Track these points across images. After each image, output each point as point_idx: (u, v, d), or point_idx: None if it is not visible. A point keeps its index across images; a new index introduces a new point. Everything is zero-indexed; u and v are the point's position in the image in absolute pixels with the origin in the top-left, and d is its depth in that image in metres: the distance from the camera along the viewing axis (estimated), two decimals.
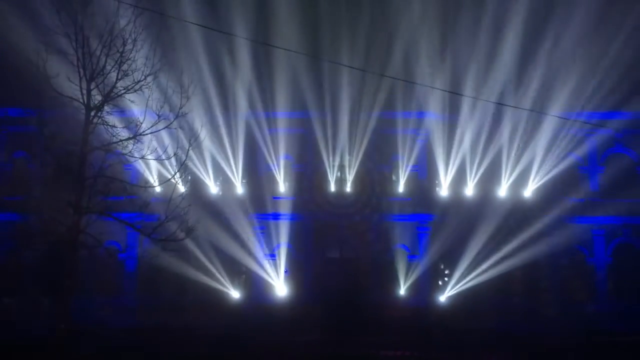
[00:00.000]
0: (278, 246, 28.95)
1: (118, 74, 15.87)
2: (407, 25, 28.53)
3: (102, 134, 16.43)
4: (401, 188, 29.41)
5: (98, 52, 15.62)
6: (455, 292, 28.15)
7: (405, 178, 29.40)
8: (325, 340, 21.36)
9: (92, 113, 15.81)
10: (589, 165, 29.48)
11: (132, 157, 16.71)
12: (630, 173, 28.85)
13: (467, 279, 27.98)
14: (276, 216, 28.98)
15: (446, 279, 29.03)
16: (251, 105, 29.15)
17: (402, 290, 28.30)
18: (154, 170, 29.38)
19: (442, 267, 29.42)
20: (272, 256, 28.86)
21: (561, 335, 23.28)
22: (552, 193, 28.74)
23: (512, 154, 29.23)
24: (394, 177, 29.79)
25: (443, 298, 28.21)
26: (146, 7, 16.04)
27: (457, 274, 28.25)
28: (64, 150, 15.88)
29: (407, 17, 28.57)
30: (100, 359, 17.64)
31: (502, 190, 29.46)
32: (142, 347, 18.98)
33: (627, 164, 29.18)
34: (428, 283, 28.48)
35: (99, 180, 15.90)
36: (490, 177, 29.68)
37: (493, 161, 29.36)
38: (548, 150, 28.76)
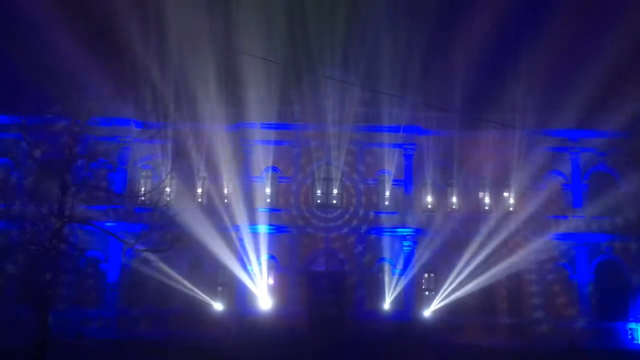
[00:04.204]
0: (260, 258, 28.68)
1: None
2: (398, 40, 28.76)
3: (87, 142, 16.27)
4: (387, 202, 29.45)
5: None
6: (439, 306, 28.14)
7: (391, 192, 29.45)
8: (310, 354, 21.18)
9: (78, 121, 15.65)
10: (572, 183, 29.74)
11: (117, 166, 16.55)
12: (613, 191, 29.16)
13: (452, 294, 27.98)
14: (262, 228, 28.77)
15: (431, 293, 29.02)
16: (238, 117, 29.08)
17: (387, 305, 28.20)
18: (139, 180, 29.18)
19: (426, 281, 29.43)
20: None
21: (542, 352, 23.39)
22: (536, 210, 28.90)
23: (498, 171, 29.43)
24: (379, 191, 29.78)
25: (427, 313, 28.16)
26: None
27: (441, 289, 28.26)
28: (48, 157, 15.69)
29: (398, 32, 28.80)
30: None
31: (487, 206, 29.65)
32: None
33: (610, 182, 29.53)
34: (413, 297, 28.43)
35: (82, 189, 15.70)
36: (475, 193, 29.89)
37: (478, 177, 29.58)
38: (533, 167, 28.96)
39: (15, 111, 15.67)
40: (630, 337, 27.74)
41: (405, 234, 28.87)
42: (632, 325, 27.97)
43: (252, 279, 28.20)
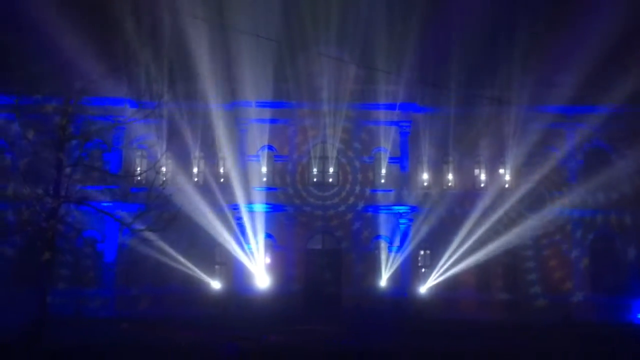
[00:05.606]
0: (257, 236, 28.78)
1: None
2: (394, 17, 28.51)
3: (81, 122, 16.18)
4: (383, 179, 29.49)
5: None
6: (435, 283, 28.37)
7: (387, 169, 29.47)
8: (307, 331, 21.37)
9: (71, 100, 15.53)
10: (568, 159, 29.74)
11: (112, 145, 16.49)
12: (608, 166, 29.21)
13: (448, 270, 28.19)
14: (258, 207, 28.81)
15: (427, 270, 29.21)
16: (233, 95, 28.92)
17: (383, 282, 28.41)
18: (134, 160, 29.10)
19: (422, 258, 29.60)
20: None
21: (537, 325, 23.67)
22: (532, 186, 28.98)
23: (493, 148, 29.45)
24: (375, 169, 29.80)
25: (424, 289, 28.40)
26: None
27: (437, 266, 28.47)
28: (41, 138, 15.62)
29: (394, 8, 28.54)
30: (75, 350, 17.38)
31: (483, 183, 29.73)
32: (117, 339, 18.69)
33: (605, 158, 29.55)
34: (409, 274, 28.63)
35: (77, 169, 15.66)
36: (471, 170, 29.95)
37: (474, 154, 29.61)
38: (528, 143, 28.95)
39: (7, 91, 15.54)
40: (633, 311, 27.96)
41: (401, 211, 28.96)
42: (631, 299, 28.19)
43: (249, 258, 28.35)
